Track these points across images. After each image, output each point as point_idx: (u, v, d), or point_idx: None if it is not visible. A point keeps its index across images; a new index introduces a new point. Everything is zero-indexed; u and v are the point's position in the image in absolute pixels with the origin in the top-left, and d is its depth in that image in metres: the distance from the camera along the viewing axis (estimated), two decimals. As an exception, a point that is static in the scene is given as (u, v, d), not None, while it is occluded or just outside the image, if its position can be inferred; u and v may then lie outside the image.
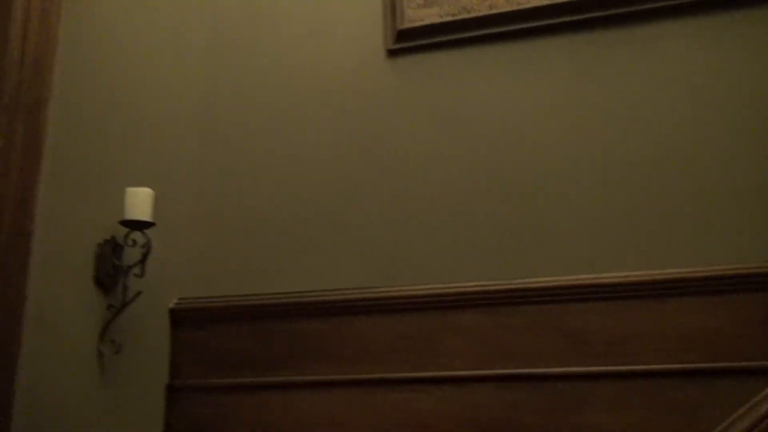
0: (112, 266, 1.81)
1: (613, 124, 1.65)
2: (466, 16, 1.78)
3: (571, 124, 1.67)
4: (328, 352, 1.67)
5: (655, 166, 1.60)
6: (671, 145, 1.61)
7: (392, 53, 1.82)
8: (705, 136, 1.59)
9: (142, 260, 1.79)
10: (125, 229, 1.78)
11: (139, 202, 1.77)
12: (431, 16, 1.81)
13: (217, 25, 1.98)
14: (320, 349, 1.68)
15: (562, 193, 1.65)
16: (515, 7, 1.75)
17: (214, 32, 1.98)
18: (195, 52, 1.98)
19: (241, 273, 1.80)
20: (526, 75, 1.72)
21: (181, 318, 1.80)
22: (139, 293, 1.79)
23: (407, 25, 1.82)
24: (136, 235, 1.78)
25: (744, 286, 1.46)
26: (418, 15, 1.82)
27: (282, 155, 1.85)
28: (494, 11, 1.76)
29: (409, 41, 1.81)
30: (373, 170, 1.78)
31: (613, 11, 1.67)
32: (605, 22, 1.68)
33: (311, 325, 1.69)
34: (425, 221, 1.72)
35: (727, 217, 1.53)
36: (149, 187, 1.79)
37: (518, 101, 1.72)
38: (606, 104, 1.66)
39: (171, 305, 1.81)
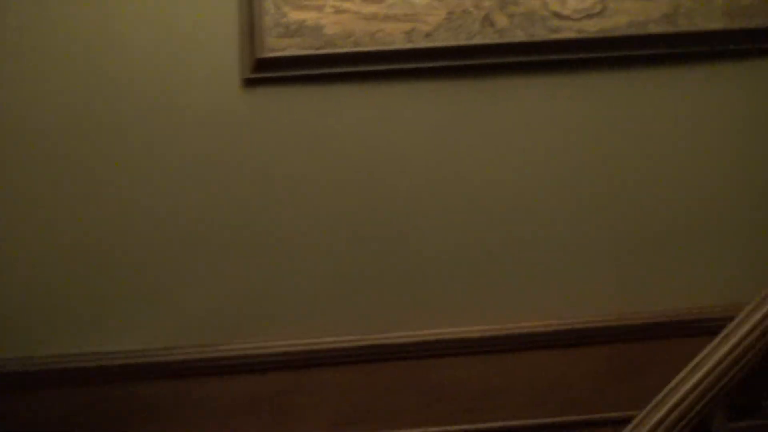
0: None
1: (474, 170, 1.68)
2: (329, 51, 1.71)
3: (434, 170, 1.68)
4: (161, 423, 1.51)
5: (513, 214, 1.65)
6: (522, 196, 1.67)
7: (249, 83, 1.70)
8: (550, 186, 1.67)
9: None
10: None
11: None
12: (293, 47, 1.72)
13: (58, 40, 1.71)
14: (152, 419, 1.51)
15: (426, 240, 1.64)
16: (380, 47, 1.71)
17: (52, 47, 1.71)
18: (28, 66, 1.69)
19: (64, 327, 1.57)
20: (389, 116, 1.70)
21: (-21, 385, 1.52)
22: None
23: (267, 54, 1.70)
24: None
25: (590, 340, 1.56)
26: (279, 44, 1.72)
27: (119, 186, 1.65)
28: (359, 49, 1.71)
29: (268, 72, 1.70)
30: (221, 207, 1.65)
31: (474, 61, 1.70)
32: (468, 71, 1.70)
33: (142, 391, 1.53)
34: (279, 269, 1.62)
35: (578, 269, 1.63)
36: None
37: (380, 143, 1.69)
38: (468, 151, 1.69)
39: (-36, 369, 1.52)
